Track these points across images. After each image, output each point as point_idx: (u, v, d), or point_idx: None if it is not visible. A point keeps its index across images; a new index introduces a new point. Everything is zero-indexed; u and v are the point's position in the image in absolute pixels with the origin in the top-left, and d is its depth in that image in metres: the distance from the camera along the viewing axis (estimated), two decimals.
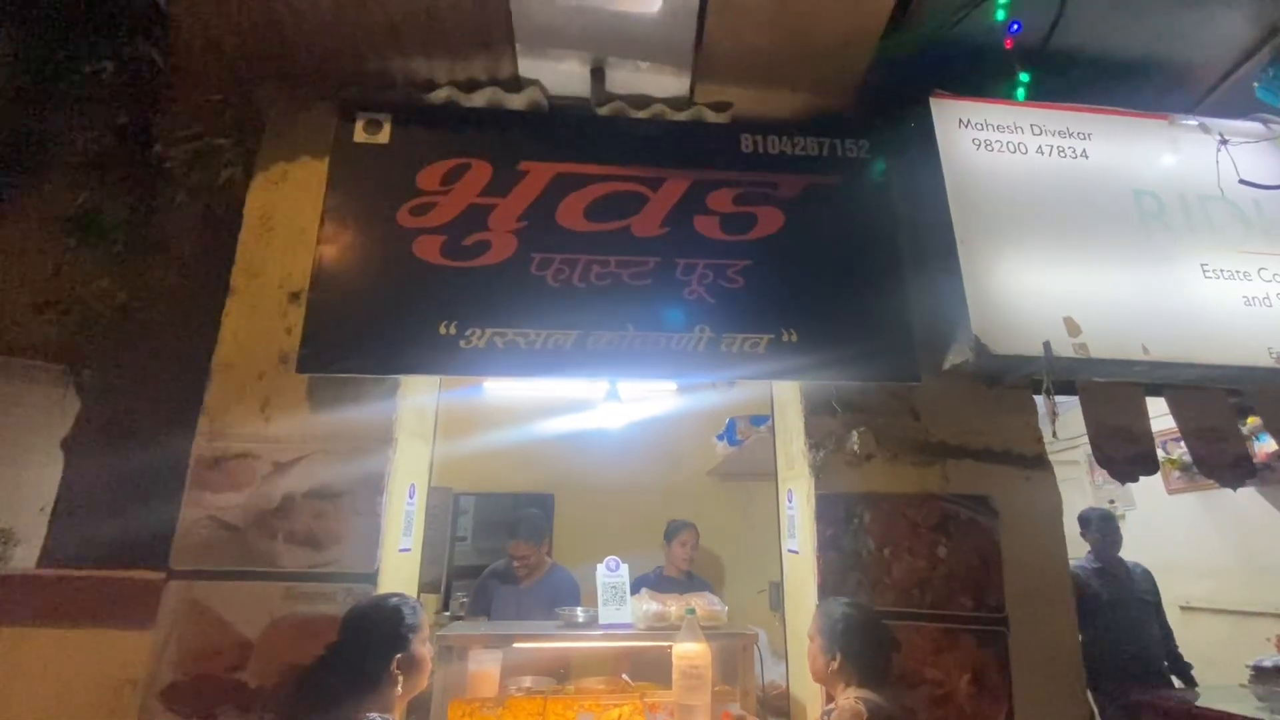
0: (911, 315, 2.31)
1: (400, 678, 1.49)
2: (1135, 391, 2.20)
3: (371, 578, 1.97)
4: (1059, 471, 4.69)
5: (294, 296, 2.22)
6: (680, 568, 3.19)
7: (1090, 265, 2.25)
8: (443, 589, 3.91)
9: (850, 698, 1.61)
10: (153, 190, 3.00)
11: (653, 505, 3.79)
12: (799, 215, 2.40)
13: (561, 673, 2.75)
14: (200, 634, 1.92)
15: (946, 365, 2.24)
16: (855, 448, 2.21)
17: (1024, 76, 2.38)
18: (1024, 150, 2.40)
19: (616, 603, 2.29)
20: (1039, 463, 2.25)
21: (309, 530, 2.01)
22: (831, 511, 2.15)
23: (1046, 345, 2.09)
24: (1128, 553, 3.81)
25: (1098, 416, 2.13)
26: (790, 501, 2.38)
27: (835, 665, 1.70)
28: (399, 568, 2.13)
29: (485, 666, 2.45)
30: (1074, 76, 2.46)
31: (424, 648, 1.57)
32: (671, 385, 3.39)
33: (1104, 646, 3.45)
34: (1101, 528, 3.57)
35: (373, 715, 1.41)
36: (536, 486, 4.08)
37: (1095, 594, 3.47)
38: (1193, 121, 2.48)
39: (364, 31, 2.28)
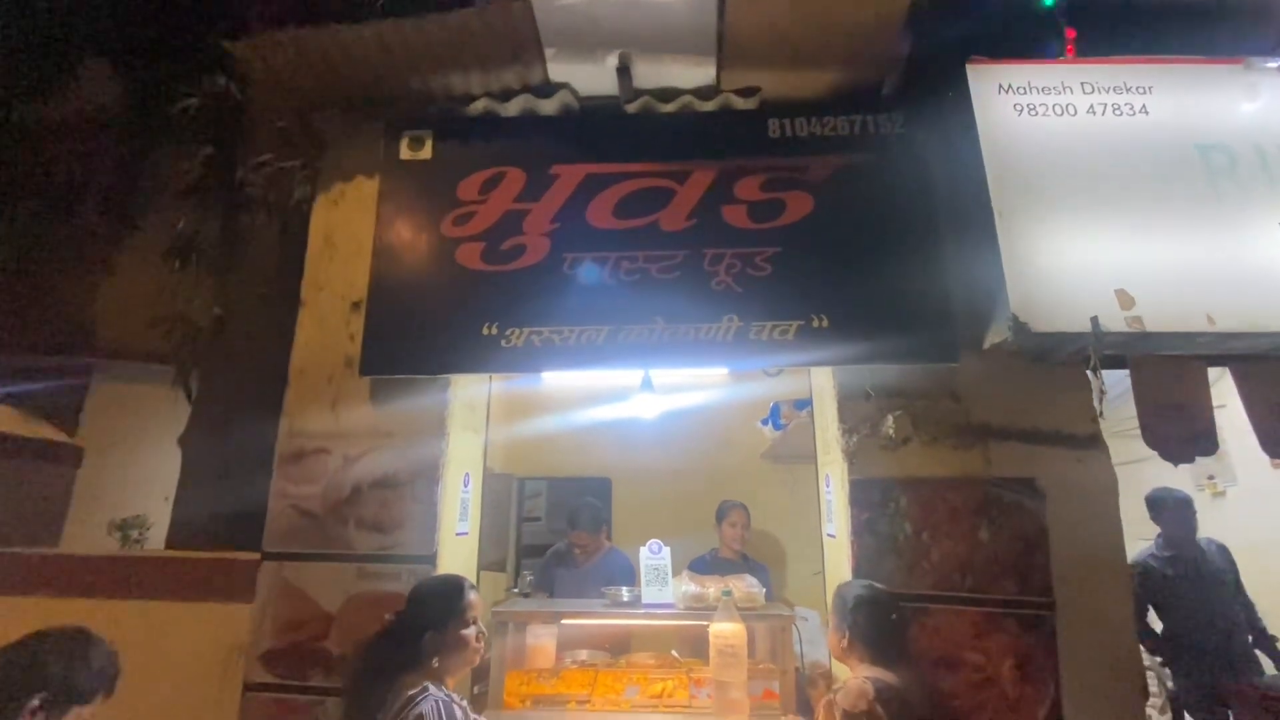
0: (950, 294, 2.25)
1: (437, 654, 1.64)
2: (1193, 365, 2.05)
3: (430, 559, 2.18)
4: (1144, 449, 4.41)
5: (355, 306, 2.44)
6: (733, 548, 3.26)
7: (1148, 231, 2.11)
8: (511, 568, 4.17)
9: (859, 676, 1.65)
10: (236, 214, 3.34)
11: (707, 488, 3.86)
12: (829, 197, 2.37)
13: (617, 649, 2.90)
14: (290, 608, 2.19)
15: (986, 345, 2.18)
16: (891, 432, 2.19)
17: (1067, 32, 2.23)
18: (1072, 111, 2.26)
19: (659, 584, 2.40)
20: (1092, 442, 2.15)
21: (375, 517, 2.24)
22: (866, 496, 2.15)
23: (1094, 321, 1.99)
24: (1229, 532, 3.54)
25: (1149, 394, 2.01)
26: (828, 486, 2.39)
27: (845, 643, 1.74)
28: (456, 550, 2.33)
29: (542, 640, 2.63)
30: (1131, 27, 2.28)
31: (466, 630, 1.69)
32: (715, 373, 3.42)
33: (1182, 635, 3.26)
34: (1176, 512, 3.32)
35: (428, 686, 1.58)
36: (594, 471, 4.25)
37: (1169, 583, 3.27)
38: (1273, 64, 2.24)
39: (405, 54, 2.44)
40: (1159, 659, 3.53)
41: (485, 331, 2.29)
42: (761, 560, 3.43)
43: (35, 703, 1.27)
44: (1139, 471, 4.05)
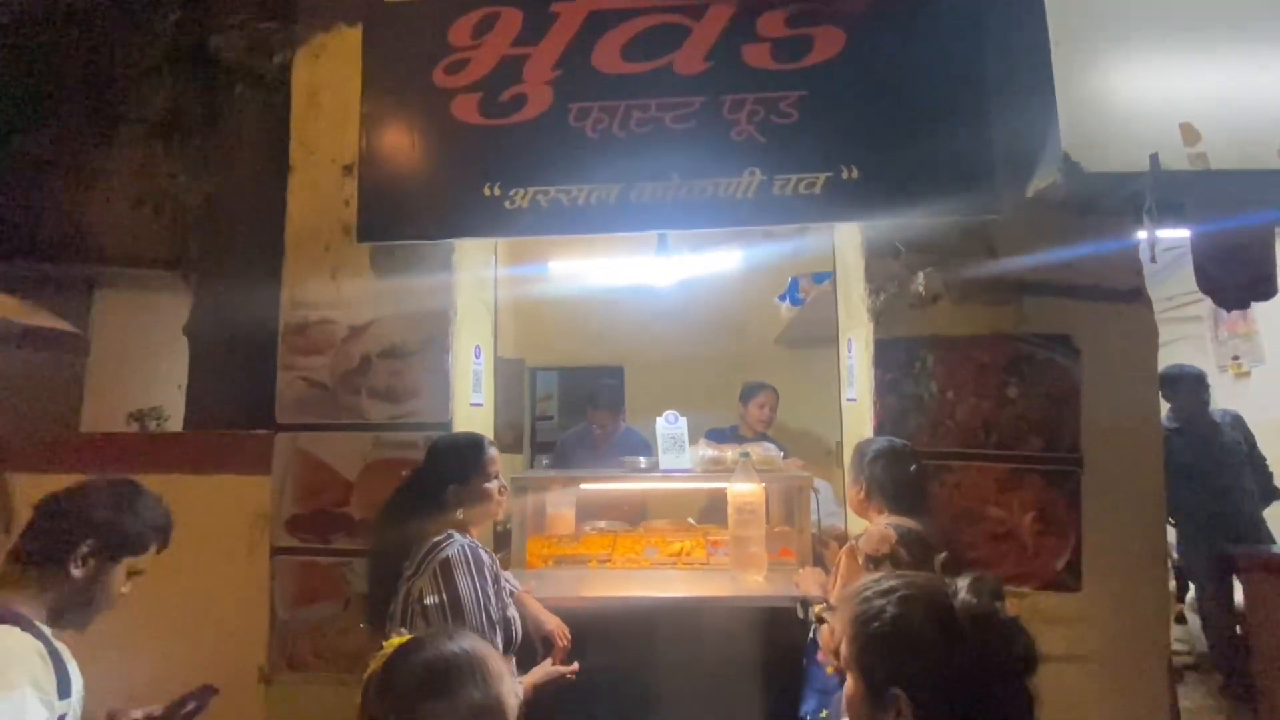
0: (994, 140, 2.05)
1: (460, 506, 1.64)
2: (1259, 204, 1.89)
3: (446, 426, 2.15)
4: (1176, 329, 4.31)
5: (347, 169, 2.28)
6: (755, 429, 3.25)
7: (1220, 60, 1.87)
8: (525, 456, 4.22)
9: (880, 524, 1.63)
10: (215, 85, 3.10)
11: (720, 375, 3.81)
12: (862, 32, 2.12)
13: (635, 519, 2.96)
14: (309, 476, 2.20)
15: (1030, 192, 2.01)
16: (920, 290, 2.08)
17: None
18: None
19: (676, 451, 2.40)
20: (1134, 296, 2.03)
21: (387, 386, 2.19)
22: (891, 356, 2.07)
23: (1154, 158, 1.80)
24: (1254, 411, 3.50)
25: (1209, 238, 1.85)
26: (850, 351, 2.31)
27: (863, 495, 1.73)
28: (472, 419, 2.30)
29: (562, 510, 2.68)
30: None
31: (488, 483, 1.70)
32: (732, 237, 3.25)
33: (1190, 505, 3.28)
34: (1188, 386, 3.26)
35: (453, 533, 1.58)
36: (608, 360, 4.21)
37: (1175, 453, 3.26)
38: None
39: None
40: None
41: (487, 192, 2.14)
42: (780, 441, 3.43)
43: (85, 549, 1.24)
44: (1162, 355, 3.98)
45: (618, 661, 1.89)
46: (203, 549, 2.23)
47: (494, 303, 2.60)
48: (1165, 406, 3.44)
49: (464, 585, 1.46)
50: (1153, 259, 1.84)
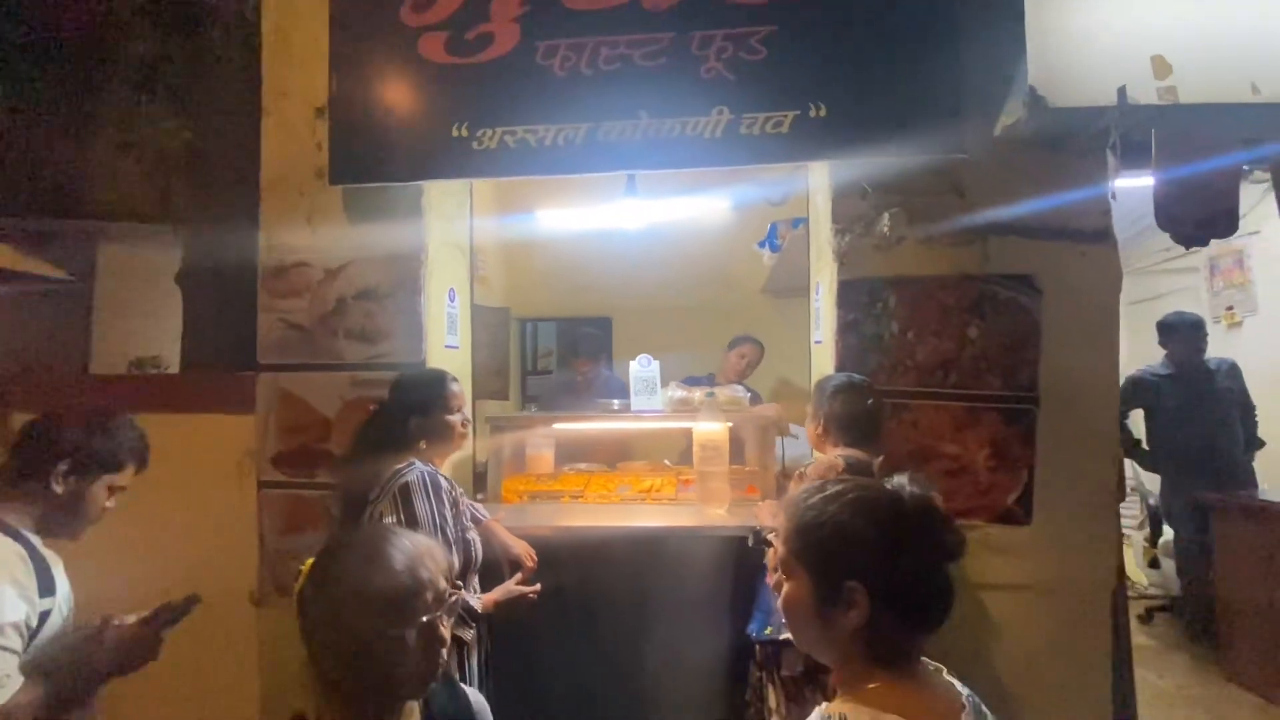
0: (963, 77, 2.01)
1: (423, 437, 1.71)
2: (1227, 141, 1.86)
3: (419, 367, 2.21)
4: (1171, 281, 4.27)
5: (319, 112, 2.28)
6: (729, 378, 3.30)
7: None
8: (517, 403, 4.30)
9: (832, 454, 1.69)
10: (195, 30, 3.08)
11: (707, 325, 3.85)
12: None
13: (614, 461, 3.05)
14: (291, 415, 2.29)
15: (999, 130, 1.99)
16: (885, 230, 2.08)
17: None
18: None
19: (647, 393, 2.45)
20: (1100, 237, 2.02)
21: (362, 328, 2.25)
22: (853, 297, 2.10)
23: (1121, 91, 1.78)
24: (1245, 361, 3.49)
25: (1170, 159, 1.83)
26: (817, 294, 2.33)
27: (820, 429, 1.78)
28: (446, 361, 2.36)
29: (541, 451, 2.77)
30: None
31: (450, 416, 1.77)
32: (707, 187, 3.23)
33: (1175, 452, 3.32)
34: (1185, 333, 3.27)
35: (414, 461, 1.66)
36: (596, 310, 4.24)
37: (1162, 397, 3.29)
38: None
39: None
40: (1146, 472, 3.66)
41: (455, 133, 2.14)
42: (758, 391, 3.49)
43: (64, 467, 1.33)
44: (1158, 307, 3.95)
45: (581, 585, 1.99)
46: (196, 483, 2.36)
47: (469, 247, 2.63)
48: (1161, 354, 3.46)
49: (421, 507, 1.55)
50: (1112, 196, 1.83)
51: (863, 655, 0.79)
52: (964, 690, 0.81)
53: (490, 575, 1.91)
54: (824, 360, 2.25)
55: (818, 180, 2.31)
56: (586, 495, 2.42)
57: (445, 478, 1.69)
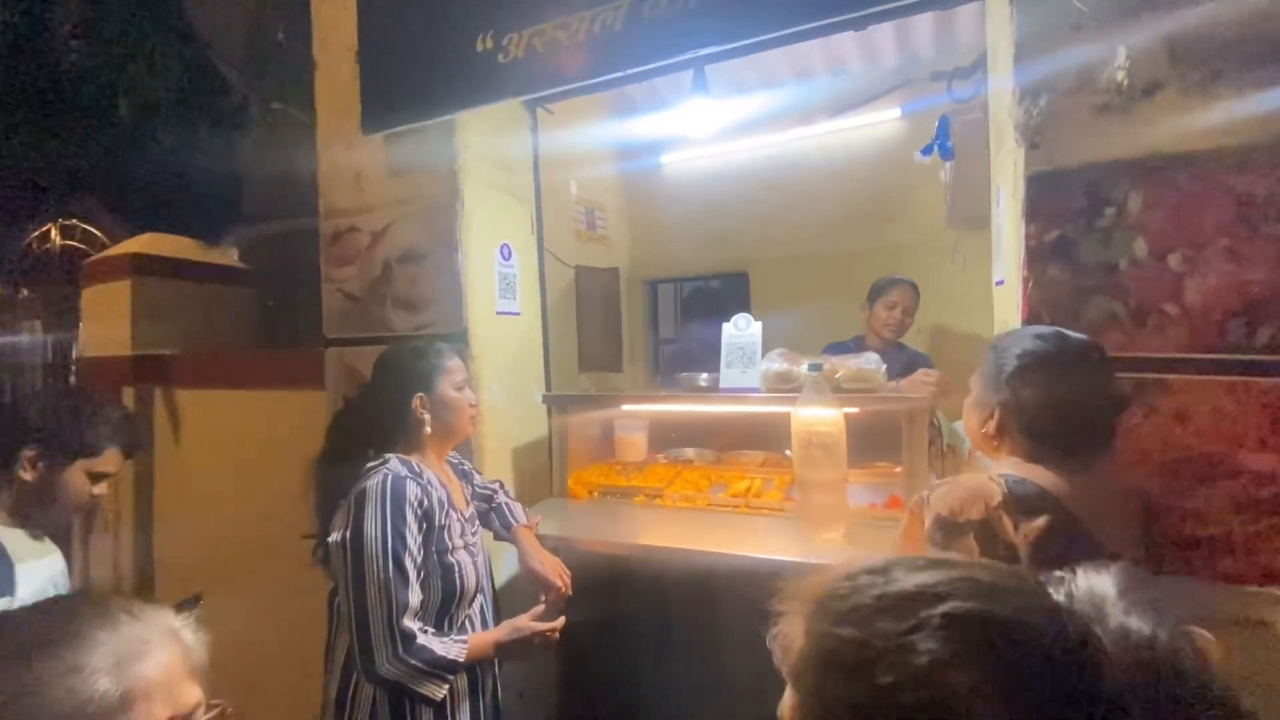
0: None
1: (426, 417, 1.37)
2: None
3: (462, 336, 1.89)
4: None
5: (358, 55, 2.04)
6: (882, 335, 2.49)
7: None
8: (646, 375, 3.87)
9: (992, 472, 0.95)
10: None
11: (873, 273, 3.01)
12: None
13: (730, 448, 2.48)
14: (354, 389, 2.13)
15: None
16: (1120, 77, 1.20)
17: None
18: None
19: (743, 364, 1.84)
20: None
21: (407, 294, 1.99)
22: (1058, 200, 1.25)
23: None
24: None
25: None
26: (998, 205, 1.49)
27: (993, 425, 1.02)
28: (501, 330, 2.02)
29: (633, 435, 2.32)
30: None
31: (453, 392, 1.41)
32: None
33: None
34: None
35: (390, 458, 1.32)
36: (728, 266, 3.61)
37: None
38: None
39: None
40: None
41: (480, 47, 1.73)
42: (925, 351, 2.63)
43: (29, 453, 1.27)
44: None
45: (627, 620, 1.50)
46: (274, 457, 2.35)
47: (535, 194, 2.23)
48: None
49: (369, 524, 1.19)
50: None
51: None
52: None
53: (520, 597, 1.52)
54: (1008, 310, 1.43)
55: (997, 26, 1.45)
56: (667, 495, 1.91)
57: (429, 481, 1.32)
